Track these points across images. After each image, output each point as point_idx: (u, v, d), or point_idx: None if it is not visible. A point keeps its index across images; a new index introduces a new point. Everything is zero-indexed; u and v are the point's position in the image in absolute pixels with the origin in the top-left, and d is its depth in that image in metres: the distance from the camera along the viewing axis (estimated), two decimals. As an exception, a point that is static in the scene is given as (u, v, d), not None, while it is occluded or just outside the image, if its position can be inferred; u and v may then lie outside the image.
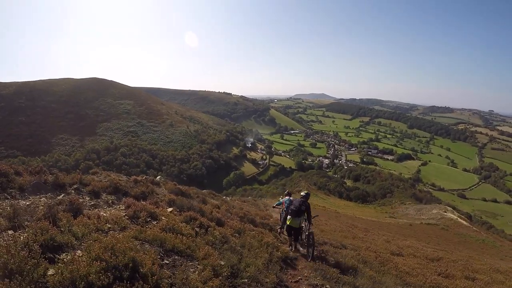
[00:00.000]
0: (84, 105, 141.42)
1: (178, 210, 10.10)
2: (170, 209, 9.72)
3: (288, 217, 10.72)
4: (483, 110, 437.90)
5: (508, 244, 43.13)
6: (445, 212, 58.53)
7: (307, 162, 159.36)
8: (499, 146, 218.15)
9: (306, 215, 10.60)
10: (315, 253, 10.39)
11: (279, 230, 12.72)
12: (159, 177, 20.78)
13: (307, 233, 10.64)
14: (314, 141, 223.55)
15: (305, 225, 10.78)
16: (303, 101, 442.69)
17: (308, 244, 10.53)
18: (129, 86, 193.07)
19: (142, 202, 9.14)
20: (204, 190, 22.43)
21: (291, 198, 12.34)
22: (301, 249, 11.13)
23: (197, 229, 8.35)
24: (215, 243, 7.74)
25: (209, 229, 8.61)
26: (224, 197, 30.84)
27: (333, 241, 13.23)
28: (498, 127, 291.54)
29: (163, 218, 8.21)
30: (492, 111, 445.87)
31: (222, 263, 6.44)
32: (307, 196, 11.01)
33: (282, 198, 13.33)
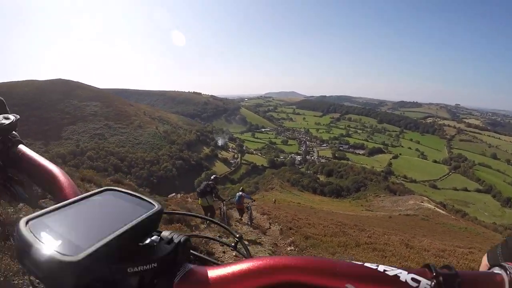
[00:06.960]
0: (48, 108, 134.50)
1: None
2: None
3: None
4: (450, 104, 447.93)
5: (486, 231, 42.61)
6: (422, 202, 57.88)
7: (279, 159, 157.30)
8: (467, 138, 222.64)
9: (214, 195, 11.66)
10: None
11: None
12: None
13: (221, 212, 12.58)
14: (285, 138, 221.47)
15: (220, 205, 12.65)
16: (273, 99, 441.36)
17: (226, 220, 12.47)
18: (97, 88, 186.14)
19: None
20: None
21: (241, 193, 14.19)
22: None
23: None
24: None
25: None
26: (173, 194, 27.59)
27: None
28: (465, 120, 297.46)
29: None
30: (459, 104, 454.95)
31: None
32: (214, 179, 12.45)
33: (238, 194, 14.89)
